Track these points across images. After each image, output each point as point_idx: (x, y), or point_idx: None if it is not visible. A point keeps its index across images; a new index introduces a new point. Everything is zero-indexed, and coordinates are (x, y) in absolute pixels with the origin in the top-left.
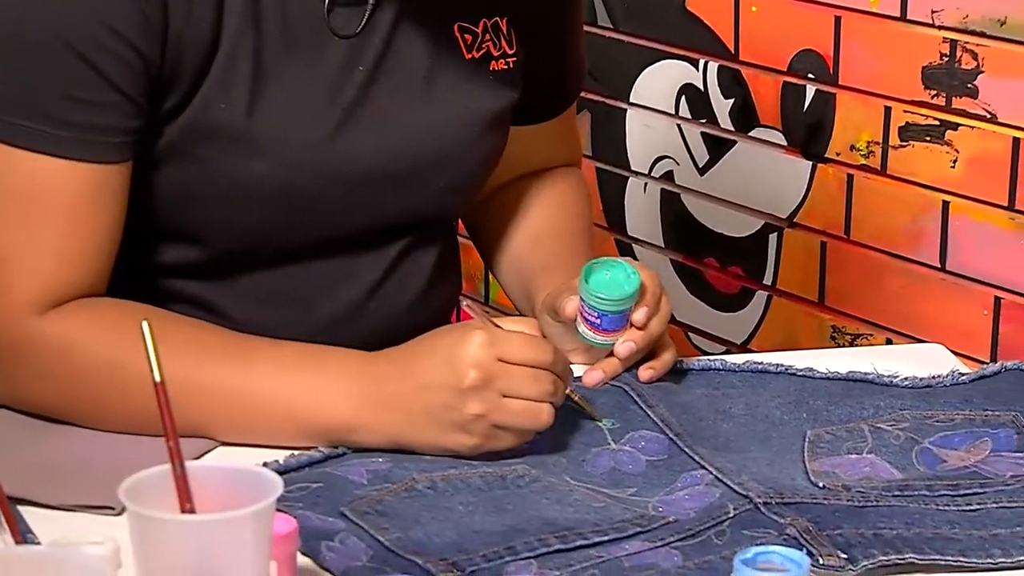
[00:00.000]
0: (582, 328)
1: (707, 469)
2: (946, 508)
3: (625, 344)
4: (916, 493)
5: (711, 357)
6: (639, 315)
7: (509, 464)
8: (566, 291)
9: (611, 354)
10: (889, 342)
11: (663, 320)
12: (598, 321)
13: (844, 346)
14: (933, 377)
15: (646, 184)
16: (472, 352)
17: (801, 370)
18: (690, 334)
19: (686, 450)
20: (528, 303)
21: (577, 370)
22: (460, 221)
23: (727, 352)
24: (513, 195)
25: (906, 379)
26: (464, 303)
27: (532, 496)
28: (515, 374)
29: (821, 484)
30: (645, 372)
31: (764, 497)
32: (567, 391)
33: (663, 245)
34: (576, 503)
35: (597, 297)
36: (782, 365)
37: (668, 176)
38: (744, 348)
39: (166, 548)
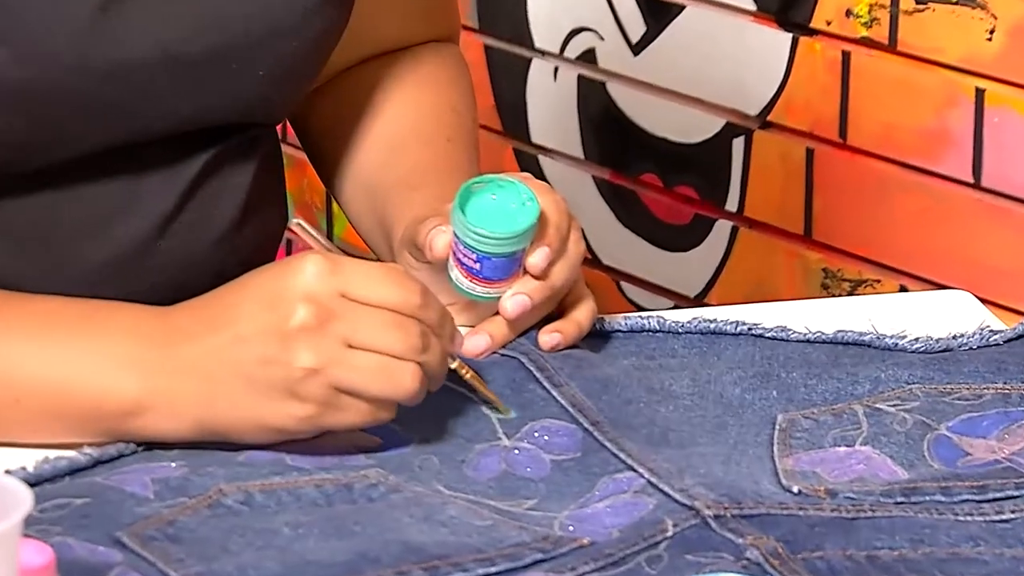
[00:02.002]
0: (455, 274)
1: (636, 471)
2: (968, 518)
3: (515, 298)
4: (928, 499)
5: (646, 314)
6: (536, 258)
7: (357, 468)
8: (435, 217)
9: (499, 312)
10: (903, 290)
11: (571, 266)
12: (477, 266)
13: (841, 296)
14: (954, 337)
15: (557, 69)
16: (304, 281)
17: (770, 330)
18: (622, 283)
19: (607, 445)
20: (384, 238)
21: None
22: (288, 124)
23: (675, 308)
24: (361, 85)
25: (916, 340)
26: (294, 222)
27: (389, 512)
28: (365, 315)
29: (796, 489)
30: (547, 337)
31: (716, 508)
32: (453, 364)
33: (582, 156)
34: (452, 521)
35: (476, 234)
36: (743, 323)
37: (588, 56)
38: (699, 302)
39: None
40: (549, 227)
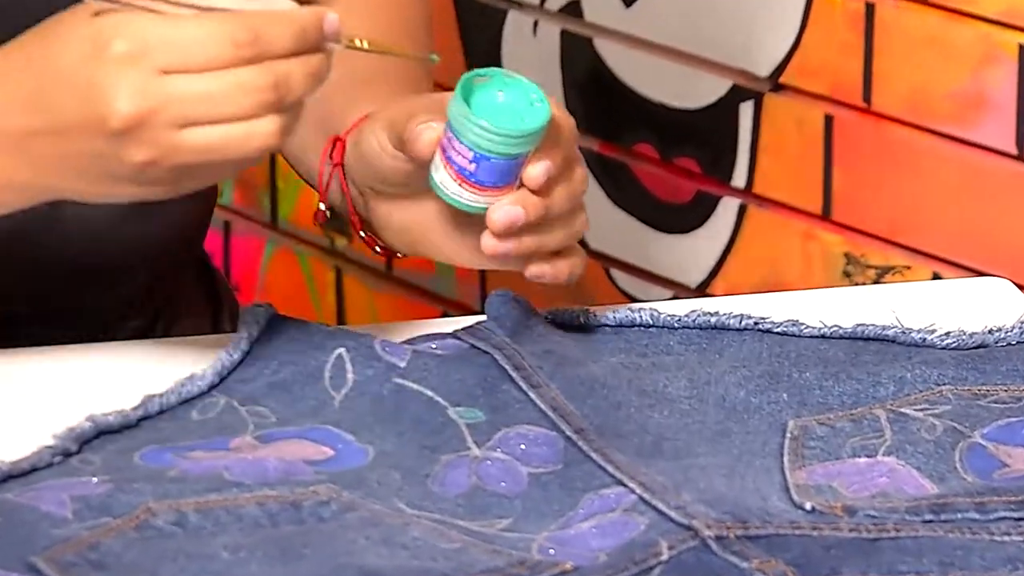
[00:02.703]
0: (441, 176)
1: (626, 486)
2: (1006, 538)
3: (506, 208)
4: (960, 516)
5: (638, 306)
6: (536, 170)
7: (305, 484)
8: (425, 112)
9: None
10: (936, 277)
11: (572, 196)
12: (471, 167)
13: (866, 285)
14: (990, 331)
15: (536, 23)
16: (109, 73)
17: (780, 324)
18: (612, 270)
19: (593, 456)
20: (318, 140)
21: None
22: None
23: (674, 299)
24: None
25: (947, 335)
26: None
27: (343, 534)
28: (194, 88)
29: (809, 505)
30: (535, 268)
31: (717, 528)
32: (338, 45)
33: None
34: (414, 544)
35: (480, 128)
36: (749, 316)
37: (573, 8)
38: (702, 292)
39: None
40: (556, 144)
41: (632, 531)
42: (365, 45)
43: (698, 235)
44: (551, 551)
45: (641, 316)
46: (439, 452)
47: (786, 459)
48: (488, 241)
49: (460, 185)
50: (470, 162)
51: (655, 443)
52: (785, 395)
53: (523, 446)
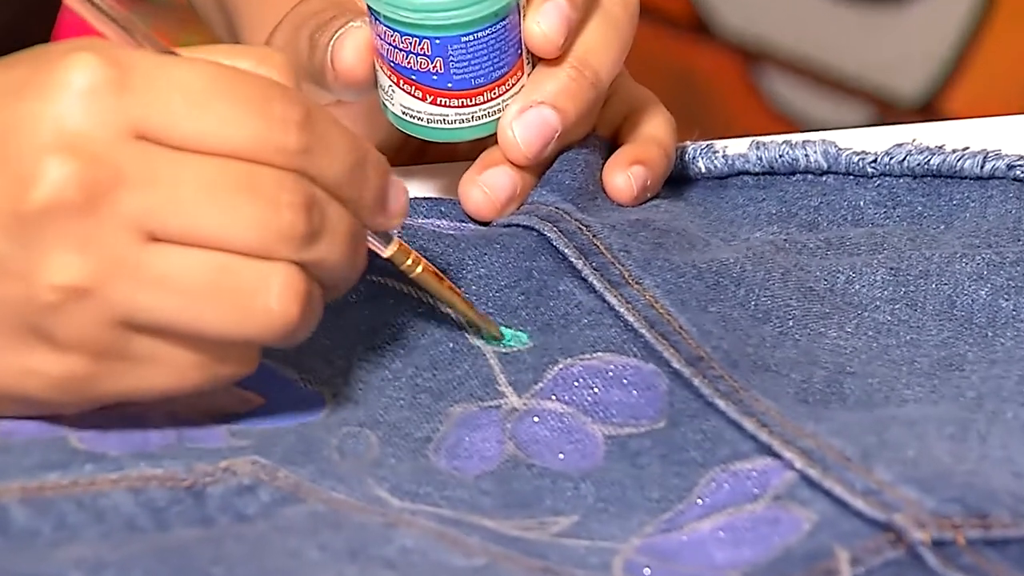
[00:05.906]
0: (400, 99)
1: (779, 455)
2: None
3: (529, 114)
4: None
5: (802, 137)
6: (544, 18)
7: (214, 455)
8: (336, 19)
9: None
10: None
11: (615, 26)
12: (435, 66)
13: None
14: None
15: None
16: (61, 110)
17: None
18: (758, 70)
19: (720, 404)
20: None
21: None
22: None
23: (869, 127)
24: None
25: None
26: None
27: (280, 543)
28: (184, 173)
29: None
30: (622, 178)
31: (938, 527)
32: (388, 251)
33: None
34: (405, 561)
35: (407, 6)
36: (999, 155)
37: None
38: (923, 114)
39: None
40: None
41: (788, 534)
42: (418, 274)
43: (917, 9)
44: (646, 571)
45: (809, 155)
46: (448, 400)
47: None
48: (517, 181)
49: (432, 101)
50: (431, 59)
51: (830, 381)
52: None
53: (595, 389)
